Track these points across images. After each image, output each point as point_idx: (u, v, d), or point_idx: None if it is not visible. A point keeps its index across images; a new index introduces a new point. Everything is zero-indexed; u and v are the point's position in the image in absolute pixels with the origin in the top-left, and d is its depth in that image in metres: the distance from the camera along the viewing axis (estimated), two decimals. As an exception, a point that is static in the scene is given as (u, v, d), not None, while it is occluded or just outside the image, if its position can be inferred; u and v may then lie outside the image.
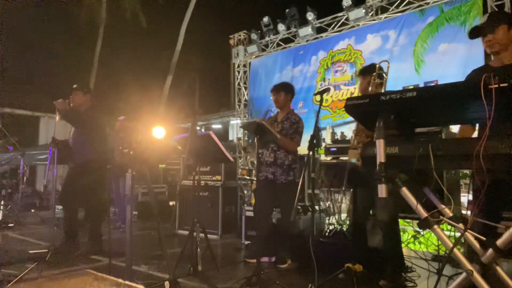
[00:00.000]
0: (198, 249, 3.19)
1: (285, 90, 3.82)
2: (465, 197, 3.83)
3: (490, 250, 1.50)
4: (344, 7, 6.76)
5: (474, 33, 2.34)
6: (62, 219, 4.52)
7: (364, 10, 6.56)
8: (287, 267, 3.64)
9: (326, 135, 6.33)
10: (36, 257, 3.31)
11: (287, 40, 8.08)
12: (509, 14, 2.39)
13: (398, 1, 6.33)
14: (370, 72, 3.03)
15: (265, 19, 7.99)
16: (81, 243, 4.09)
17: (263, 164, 3.75)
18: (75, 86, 4.26)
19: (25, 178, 6.77)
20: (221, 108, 13.62)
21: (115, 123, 5.58)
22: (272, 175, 3.69)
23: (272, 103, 3.92)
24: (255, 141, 3.32)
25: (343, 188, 4.06)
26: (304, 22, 7.47)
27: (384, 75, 2.95)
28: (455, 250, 1.52)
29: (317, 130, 2.78)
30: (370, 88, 2.92)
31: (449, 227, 1.99)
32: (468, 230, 1.56)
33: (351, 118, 2.99)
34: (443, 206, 1.71)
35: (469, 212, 1.74)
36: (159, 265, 3.55)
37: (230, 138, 11.80)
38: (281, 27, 7.79)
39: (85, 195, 4.09)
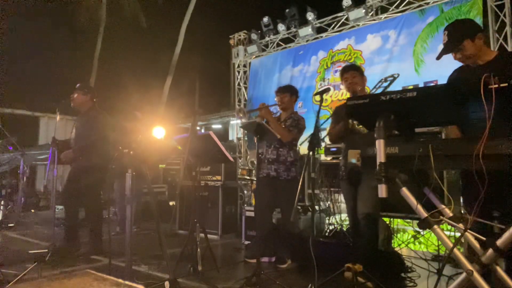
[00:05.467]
0: (198, 249, 3.19)
1: (290, 91, 3.88)
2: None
3: (490, 250, 1.50)
4: (344, 7, 6.76)
5: (441, 55, 2.31)
6: (63, 219, 4.51)
7: (364, 10, 6.56)
8: (287, 267, 3.64)
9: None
10: (36, 257, 3.31)
11: (287, 40, 8.07)
12: (467, 24, 2.39)
13: (398, 1, 6.34)
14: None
15: (265, 19, 7.99)
16: (81, 243, 4.09)
17: (264, 162, 3.77)
18: (78, 85, 4.27)
19: (25, 178, 6.77)
20: (221, 108, 13.60)
21: (114, 123, 5.55)
22: (275, 172, 3.70)
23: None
24: (255, 140, 3.32)
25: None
26: (304, 22, 7.47)
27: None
28: (455, 250, 1.52)
29: (317, 130, 2.78)
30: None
31: (449, 227, 1.99)
32: (468, 230, 1.56)
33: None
34: (443, 206, 1.71)
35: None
36: (159, 265, 3.55)
37: (230, 138, 11.77)
38: (281, 27, 7.79)
39: (86, 195, 4.09)
